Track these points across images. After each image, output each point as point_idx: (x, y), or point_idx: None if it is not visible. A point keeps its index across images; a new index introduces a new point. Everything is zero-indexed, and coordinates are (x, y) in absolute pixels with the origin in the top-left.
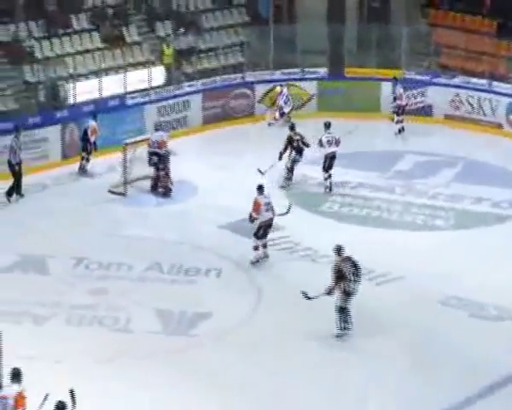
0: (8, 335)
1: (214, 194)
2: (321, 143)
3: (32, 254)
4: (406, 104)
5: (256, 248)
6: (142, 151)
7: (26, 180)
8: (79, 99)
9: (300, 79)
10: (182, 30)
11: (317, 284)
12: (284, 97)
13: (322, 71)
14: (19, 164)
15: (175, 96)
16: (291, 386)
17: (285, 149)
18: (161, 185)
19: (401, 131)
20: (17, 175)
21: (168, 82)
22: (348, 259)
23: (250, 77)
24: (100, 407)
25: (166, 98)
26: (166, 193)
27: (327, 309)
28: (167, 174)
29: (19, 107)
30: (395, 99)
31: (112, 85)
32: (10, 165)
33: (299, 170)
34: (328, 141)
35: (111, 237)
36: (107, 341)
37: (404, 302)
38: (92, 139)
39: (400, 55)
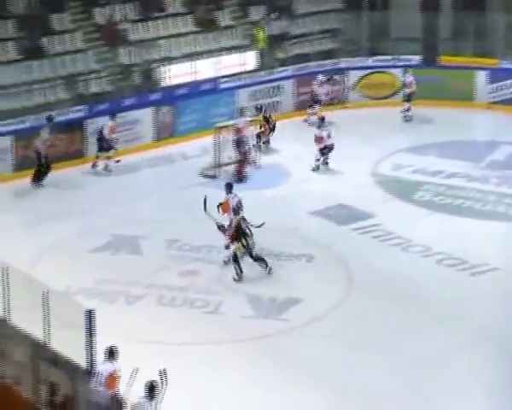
0: (100, 313)
1: (307, 179)
2: (324, 138)
3: (125, 234)
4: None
5: (227, 247)
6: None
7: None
8: (173, 82)
9: (392, 67)
10: (275, 15)
11: (408, 273)
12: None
13: (416, 59)
14: None
15: (267, 81)
16: (375, 376)
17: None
18: (236, 170)
19: (408, 119)
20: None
21: (260, 67)
22: (244, 218)
23: (342, 63)
24: (188, 388)
25: (259, 83)
26: (241, 179)
27: (415, 297)
28: (244, 160)
29: (113, 89)
30: (404, 86)
31: (205, 69)
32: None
33: (392, 158)
34: (329, 134)
35: (202, 220)
36: (198, 323)
37: (498, 294)
38: (112, 137)
39: (496, 44)
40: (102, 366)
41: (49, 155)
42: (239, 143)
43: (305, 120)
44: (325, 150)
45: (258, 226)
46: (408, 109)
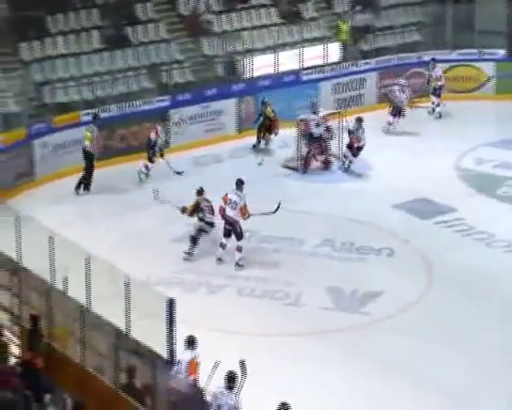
0: (181, 303)
1: (390, 173)
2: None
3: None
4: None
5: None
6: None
7: (201, 151)
8: (256, 73)
9: (477, 60)
10: (359, 7)
11: (491, 268)
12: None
13: (501, 52)
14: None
15: (350, 74)
16: (455, 370)
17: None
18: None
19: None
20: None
21: (344, 59)
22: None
23: (426, 56)
24: (267, 380)
25: (342, 75)
26: (327, 167)
27: (497, 292)
28: (322, 152)
29: (196, 79)
30: (432, 80)
31: (287, 61)
32: None
33: (475, 152)
34: (364, 135)
35: (284, 211)
36: (278, 314)
37: None
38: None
39: None
40: (182, 355)
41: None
42: (311, 135)
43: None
44: (357, 151)
45: (276, 211)
46: (438, 104)
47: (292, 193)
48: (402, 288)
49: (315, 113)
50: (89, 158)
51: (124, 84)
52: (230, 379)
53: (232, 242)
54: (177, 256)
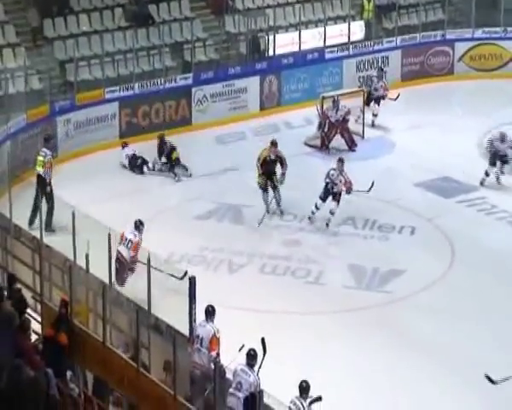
0: (203, 280)
1: (411, 151)
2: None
3: (230, 202)
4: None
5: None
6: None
7: (225, 129)
8: (279, 51)
9: (502, 39)
10: None
11: None
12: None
13: None
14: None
15: (374, 52)
16: (480, 348)
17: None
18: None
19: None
20: None
21: (367, 37)
22: None
23: (450, 34)
24: (288, 357)
25: (365, 53)
26: (351, 147)
27: None
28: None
29: (219, 57)
30: (376, 90)
31: (311, 39)
32: None
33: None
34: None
35: (304, 190)
36: (299, 292)
37: None
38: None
39: None
40: (203, 329)
41: (153, 124)
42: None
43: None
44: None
45: (369, 189)
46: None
47: (313, 171)
48: (424, 266)
49: (335, 106)
50: (43, 185)
51: (147, 63)
52: (251, 357)
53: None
54: (199, 234)
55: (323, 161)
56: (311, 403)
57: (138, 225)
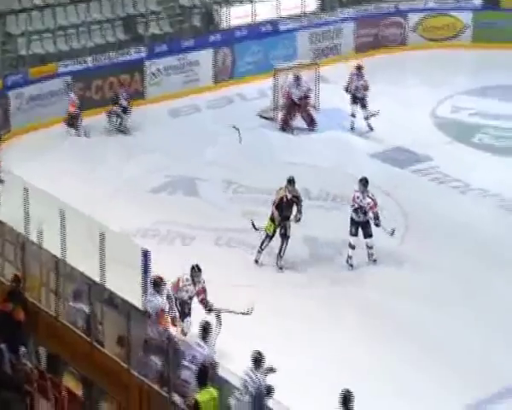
0: (157, 254)
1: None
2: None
3: (183, 175)
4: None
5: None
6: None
7: (178, 102)
8: (232, 24)
9: (454, 9)
10: None
11: (466, 216)
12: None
13: (477, 2)
14: None
15: (327, 23)
16: (430, 320)
17: None
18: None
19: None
20: None
21: (321, 9)
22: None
23: (403, 5)
24: (245, 330)
25: (319, 25)
26: (284, 128)
27: (473, 240)
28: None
29: (173, 30)
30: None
31: (264, 11)
32: None
33: (452, 100)
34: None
35: (259, 162)
36: (254, 265)
37: None
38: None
39: None
40: (153, 303)
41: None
42: (298, 83)
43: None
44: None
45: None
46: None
47: (267, 143)
48: (378, 237)
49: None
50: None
51: (100, 36)
52: (205, 329)
53: None
54: (153, 207)
55: (278, 133)
56: (265, 374)
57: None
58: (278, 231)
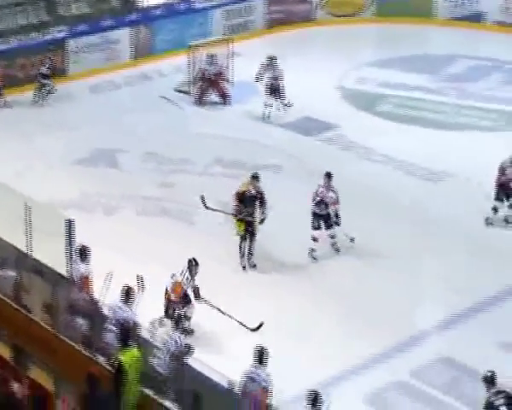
0: (80, 223)
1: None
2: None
3: (103, 148)
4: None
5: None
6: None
7: (98, 79)
8: (149, 3)
9: None
10: None
11: (370, 181)
12: None
13: None
14: None
15: (240, 1)
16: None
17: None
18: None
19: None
20: None
21: None
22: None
23: None
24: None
25: (232, 2)
26: (225, 99)
27: (379, 203)
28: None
29: (92, 11)
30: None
31: None
32: None
33: (357, 71)
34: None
35: (177, 133)
36: (175, 232)
37: (454, 199)
38: None
39: None
40: (76, 268)
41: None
42: (212, 61)
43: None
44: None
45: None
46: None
47: (184, 115)
48: (289, 202)
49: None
50: None
51: (23, 17)
52: (127, 293)
53: None
54: (76, 179)
55: (194, 106)
56: (183, 333)
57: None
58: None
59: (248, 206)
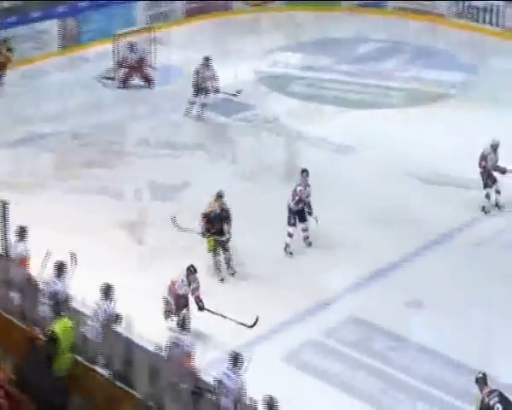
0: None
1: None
2: None
3: (37, 132)
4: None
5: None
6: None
7: (28, 67)
8: None
9: None
10: None
11: (279, 154)
12: None
13: None
14: None
15: None
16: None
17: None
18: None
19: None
20: None
21: None
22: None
23: None
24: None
25: None
26: (149, 83)
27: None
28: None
29: (22, 4)
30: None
31: None
32: None
33: (270, 56)
34: None
35: (101, 116)
36: (105, 208)
37: (370, 173)
38: None
39: None
40: (16, 250)
41: None
42: (132, 48)
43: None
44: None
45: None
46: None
47: (109, 100)
48: (210, 178)
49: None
50: None
51: None
52: (59, 268)
53: None
54: (10, 161)
55: (119, 91)
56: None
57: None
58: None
59: (216, 224)
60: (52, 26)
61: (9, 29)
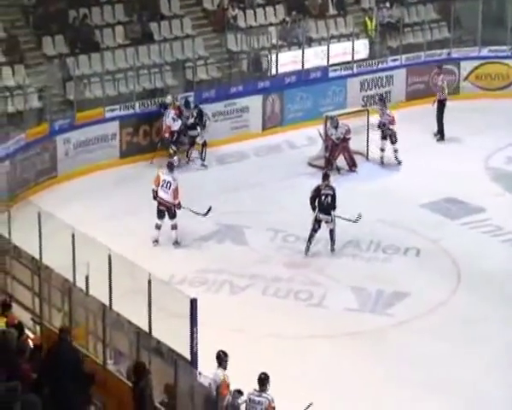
0: (204, 303)
1: (417, 172)
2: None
3: (231, 223)
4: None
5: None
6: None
7: (226, 149)
8: (281, 70)
9: (508, 57)
10: (387, 4)
11: None
12: None
13: None
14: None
15: (378, 71)
16: (481, 373)
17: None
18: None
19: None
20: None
21: (371, 56)
22: None
23: (456, 53)
24: (292, 380)
25: (369, 72)
26: (351, 168)
27: None
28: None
29: (221, 75)
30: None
31: (314, 57)
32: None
33: (505, 151)
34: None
35: (308, 211)
36: (302, 315)
37: None
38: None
39: None
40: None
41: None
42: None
43: None
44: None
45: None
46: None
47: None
48: (428, 289)
49: (334, 124)
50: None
51: (148, 81)
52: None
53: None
54: (201, 255)
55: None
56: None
57: (172, 168)
58: None
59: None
60: (253, 103)
61: (206, 105)
